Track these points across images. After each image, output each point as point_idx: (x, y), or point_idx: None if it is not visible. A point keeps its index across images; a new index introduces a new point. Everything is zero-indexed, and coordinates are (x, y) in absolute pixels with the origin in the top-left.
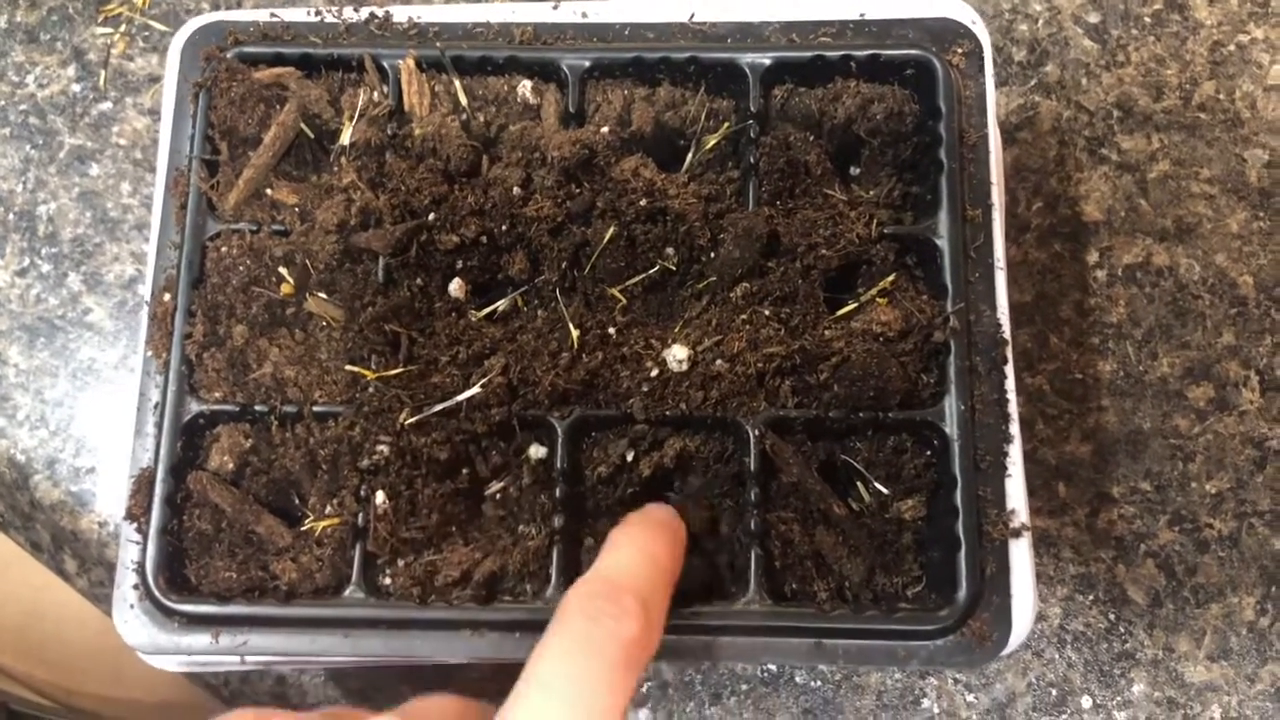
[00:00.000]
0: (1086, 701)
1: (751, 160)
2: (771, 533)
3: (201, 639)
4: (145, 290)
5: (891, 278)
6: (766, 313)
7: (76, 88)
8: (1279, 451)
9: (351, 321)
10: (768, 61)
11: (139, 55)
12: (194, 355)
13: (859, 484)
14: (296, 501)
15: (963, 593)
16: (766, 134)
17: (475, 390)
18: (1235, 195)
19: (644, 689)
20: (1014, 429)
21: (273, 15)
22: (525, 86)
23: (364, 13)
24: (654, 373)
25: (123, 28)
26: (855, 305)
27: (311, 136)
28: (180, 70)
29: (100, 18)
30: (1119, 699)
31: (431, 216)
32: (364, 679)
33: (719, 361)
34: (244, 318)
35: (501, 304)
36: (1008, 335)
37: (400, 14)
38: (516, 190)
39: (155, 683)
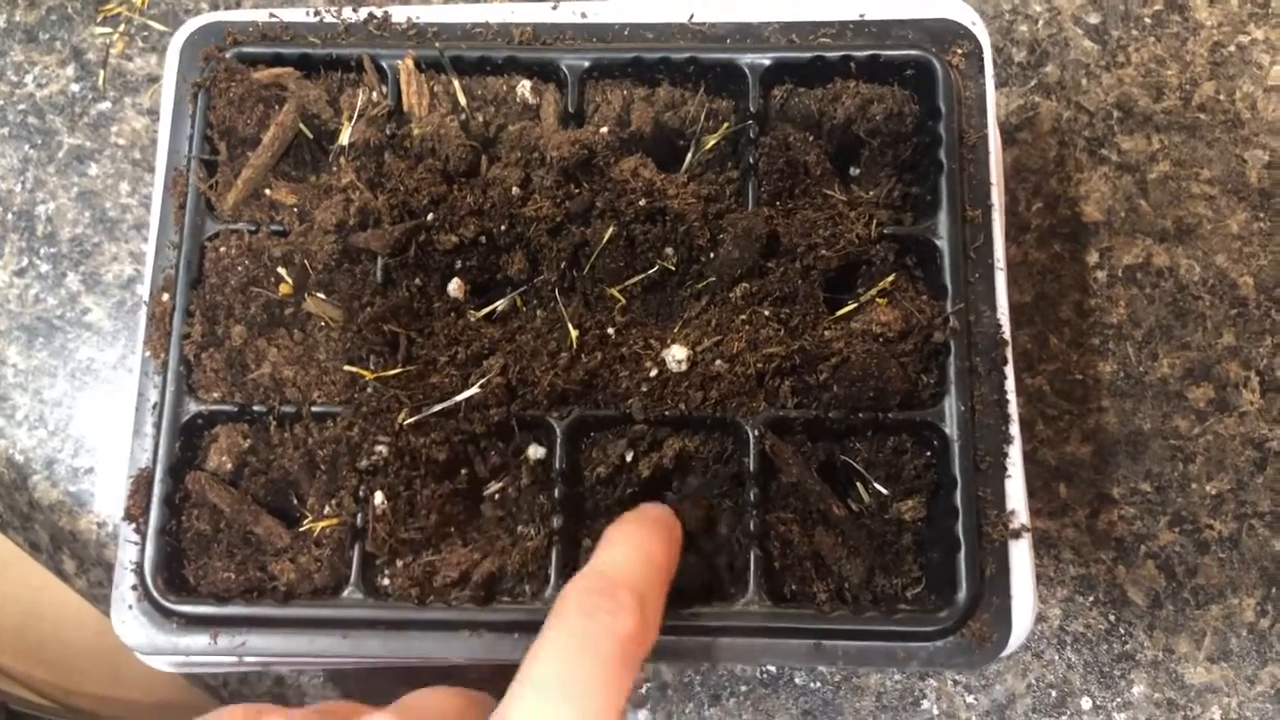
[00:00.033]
0: (1086, 703)
1: (751, 160)
2: (771, 533)
3: (200, 639)
4: (144, 290)
5: (891, 278)
6: (766, 313)
7: (75, 87)
8: (1279, 453)
9: (350, 322)
10: (767, 62)
11: (138, 55)
12: (192, 355)
13: (859, 485)
14: (295, 502)
15: (962, 594)
16: (766, 134)
17: (474, 390)
18: (1235, 196)
19: (643, 690)
20: (1014, 429)
21: (272, 15)
22: (524, 86)
23: (363, 13)
24: (653, 373)
25: (121, 27)
26: (855, 306)
27: (310, 137)
28: (179, 70)
29: (99, 17)
30: (1119, 700)
31: (430, 216)
32: (363, 680)
33: (718, 362)
34: (242, 318)
35: (500, 304)
36: (1008, 336)
37: (399, 14)
38: (515, 190)
39: (154, 683)
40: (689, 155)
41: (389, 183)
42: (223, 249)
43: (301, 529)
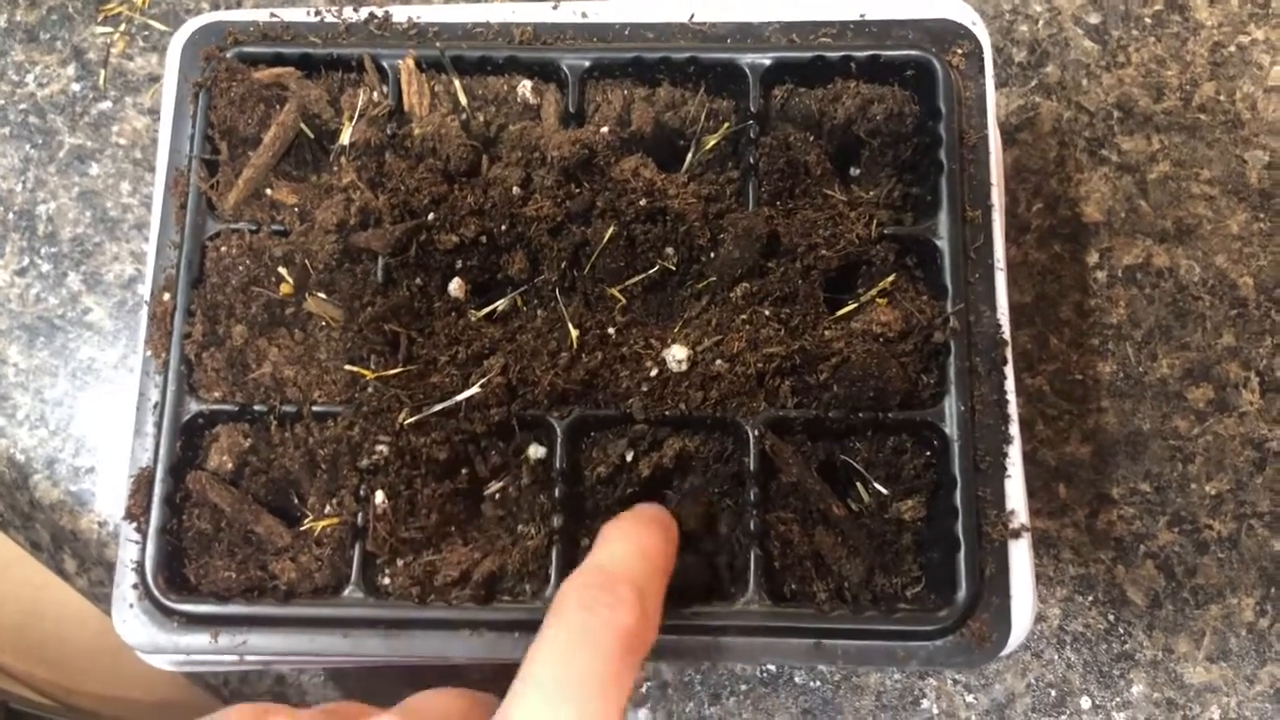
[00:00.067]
0: (1085, 702)
1: (751, 160)
2: (771, 533)
3: (200, 638)
4: (145, 290)
5: (891, 278)
6: (766, 313)
7: (76, 87)
8: (1279, 453)
9: (351, 321)
10: (768, 62)
11: (139, 55)
12: (193, 355)
13: (858, 484)
14: (296, 501)
15: (962, 593)
16: (766, 134)
17: (474, 390)
18: (1235, 196)
19: (643, 689)
20: (1014, 429)
21: (272, 15)
22: (525, 86)
23: (363, 13)
24: (653, 373)
25: (122, 27)
26: (855, 306)
27: (311, 136)
28: (180, 70)
29: (100, 17)
30: (1118, 700)
31: (431, 216)
32: (363, 679)
33: (719, 361)
34: (243, 317)
35: (501, 304)
36: (1007, 336)
37: (400, 14)
38: (516, 190)
39: (154, 682)
40: (689, 155)
41: (390, 182)
42: (224, 248)
43: (302, 528)
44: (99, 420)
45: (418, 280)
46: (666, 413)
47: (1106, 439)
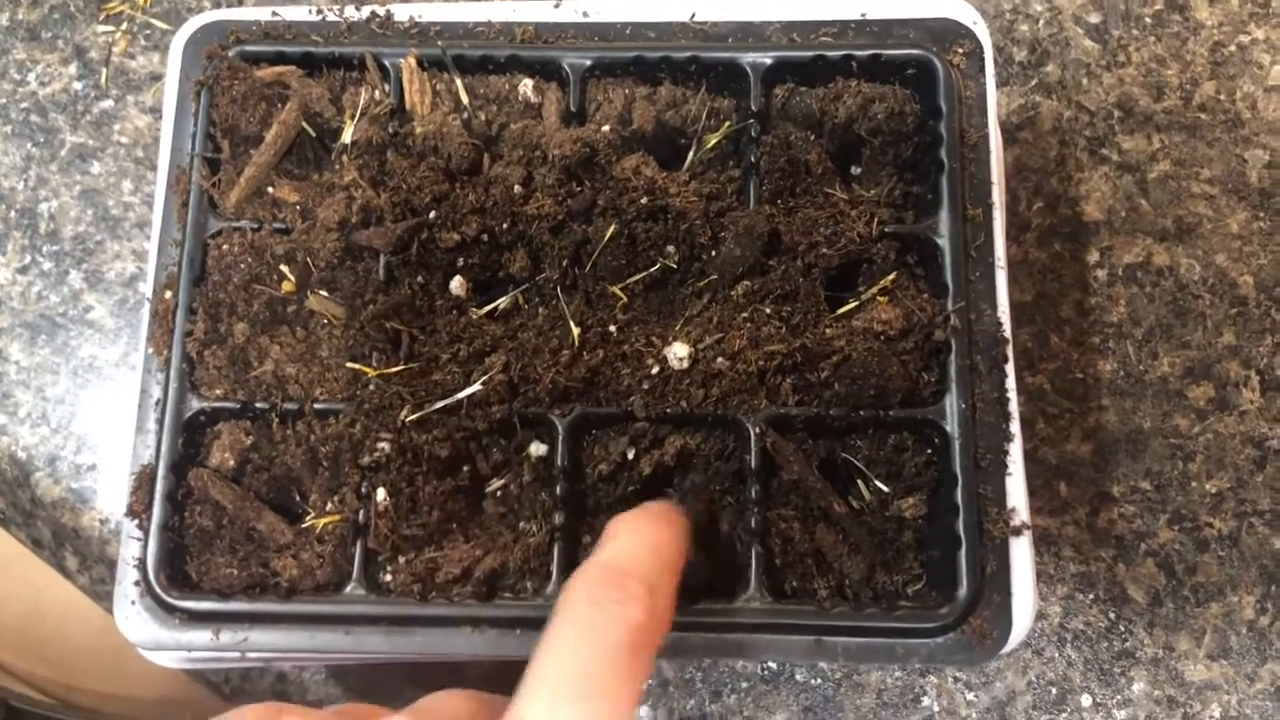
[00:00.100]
0: (1086, 700)
1: (752, 159)
2: (772, 530)
3: (202, 635)
4: (146, 288)
5: (892, 276)
6: (767, 311)
7: (78, 86)
8: (1279, 451)
9: (352, 319)
10: (769, 61)
11: (140, 53)
12: (195, 352)
13: (859, 482)
14: (297, 498)
15: (963, 591)
16: (767, 133)
17: (476, 388)
18: (1235, 195)
19: (644, 685)
20: (1014, 427)
21: (274, 14)
22: (526, 85)
23: (365, 11)
24: (655, 370)
25: (124, 26)
26: (856, 304)
27: (313, 135)
28: (182, 68)
29: (102, 16)
30: (1119, 698)
31: (433, 214)
32: (365, 676)
33: (720, 359)
34: (245, 315)
35: (502, 302)
36: (1008, 334)
37: (401, 13)
38: (518, 188)
39: (156, 680)
40: (690, 154)
41: (391, 181)
42: (225, 246)
43: (304, 525)
44: (100, 418)
45: (419, 278)
46: (668, 410)
47: (1107, 437)
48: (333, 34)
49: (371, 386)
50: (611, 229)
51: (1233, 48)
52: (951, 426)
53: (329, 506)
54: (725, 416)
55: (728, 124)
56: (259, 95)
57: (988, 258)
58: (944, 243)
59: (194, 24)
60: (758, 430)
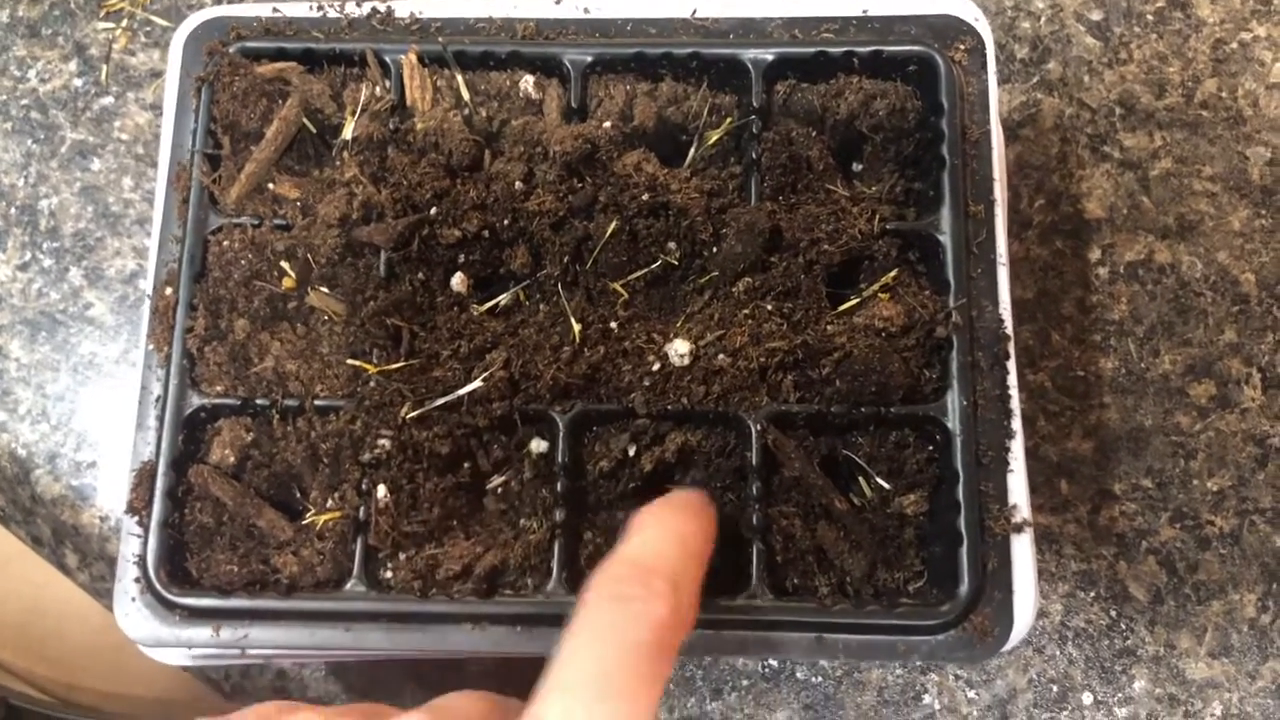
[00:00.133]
0: (1087, 698)
1: (754, 156)
2: (773, 527)
3: (202, 632)
4: (147, 284)
5: (894, 273)
6: (769, 307)
7: (78, 82)
8: None
9: (353, 315)
10: (770, 57)
11: (140, 50)
12: (195, 349)
13: (861, 479)
14: (298, 495)
15: (964, 588)
16: (769, 129)
17: (477, 384)
18: (1237, 193)
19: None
20: (1016, 424)
21: (275, 10)
22: (527, 81)
23: (366, 7)
24: (656, 367)
25: (124, 23)
26: (858, 300)
27: (314, 131)
28: (182, 65)
29: (102, 12)
30: (1120, 695)
31: (433, 211)
32: (365, 674)
33: (721, 356)
34: (245, 312)
35: (503, 298)
36: (1010, 331)
37: (402, 9)
38: (518, 185)
39: (156, 678)
40: (692, 150)
41: (392, 177)
42: (226, 243)
43: (304, 522)
44: (100, 415)
45: (420, 275)
46: (669, 407)
47: (1108, 435)
48: (333, 30)
49: (372, 383)
50: (613, 225)
51: (1234, 45)
52: (953, 423)
53: (329, 503)
54: (726, 413)
55: (729, 120)
56: (259, 91)
57: (989, 254)
58: (945, 239)
59: (194, 20)
60: (759, 427)
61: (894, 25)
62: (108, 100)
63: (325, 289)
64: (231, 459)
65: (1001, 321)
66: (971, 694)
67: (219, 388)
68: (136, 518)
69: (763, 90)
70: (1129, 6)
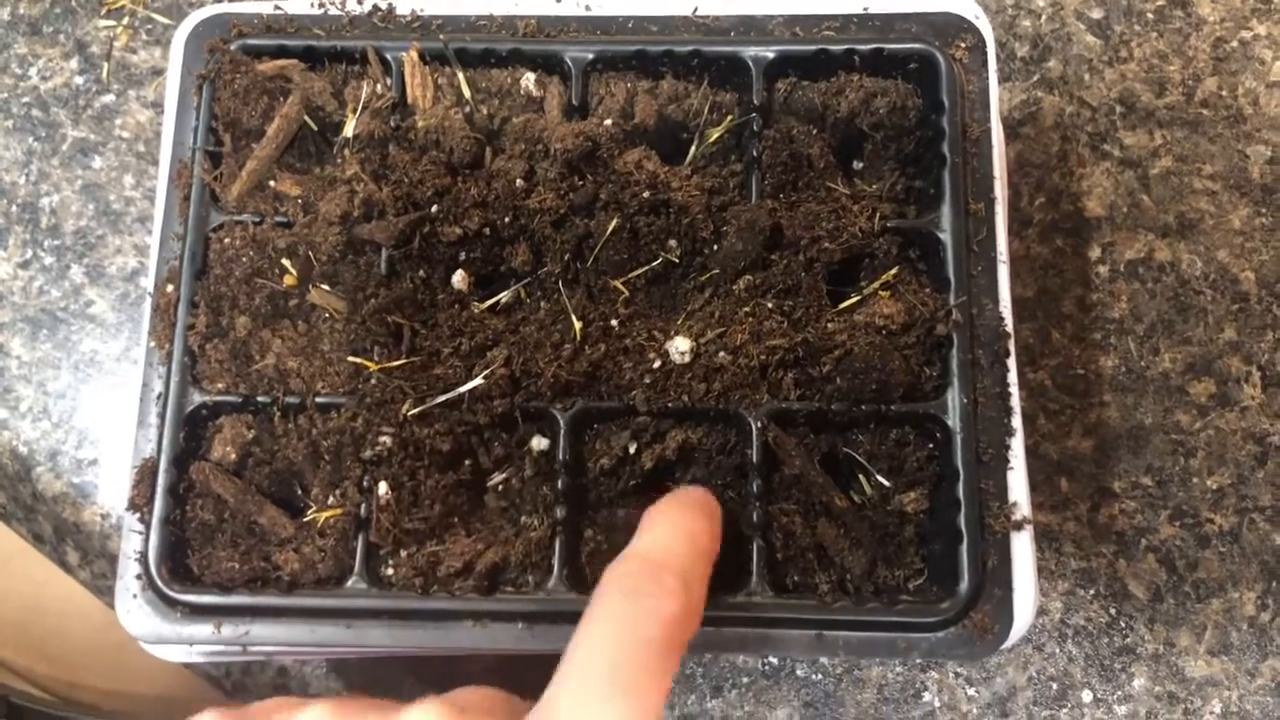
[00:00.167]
0: (1087, 696)
1: (754, 153)
2: (773, 525)
3: (204, 629)
4: (148, 282)
5: (894, 271)
6: (769, 305)
7: (79, 80)
8: (1279, 447)
9: (354, 313)
10: (771, 55)
11: (142, 48)
12: (197, 346)
13: (861, 476)
14: (299, 492)
15: (964, 585)
16: (770, 127)
17: (478, 382)
18: (1237, 191)
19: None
20: (1016, 422)
21: (276, 8)
22: (528, 79)
23: (367, 5)
24: (656, 365)
25: (125, 20)
26: (858, 298)
27: (315, 129)
28: (184, 62)
29: (103, 10)
30: (1120, 693)
31: (434, 208)
32: (366, 670)
33: (721, 354)
34: (247, 309)
35: (504, 296)
36: (1010, 329)
37: (403, 6)
38: (519, 182)
39: (157, 676)
40: (693, 148)
41: (393, 175)
42: (227, 240)
43: (305, 519)
44: (101, 413)
45: (421, 272)
46: (669, 405)
47: (1108, 433)
48: (335, 27)
49: (373, 380)
50: (613, 223)
51: (1235, 43)
52: (953, 421)
53: (330, 500)
54: (727, 411)
55: (730, 118)
56: (261, 89)
57: (990, 252)
58: (946, 237)
59: (195, 18)
60: (759, 425)
61: (895, 23)
62: (109, 98)
63: (326, 286)
64: (233, 456)
65: (1002, 319)
66: (971, 691)
67: (220, 385)
68: (138, 515)
69: (763, 88)
70: (1129, 5)
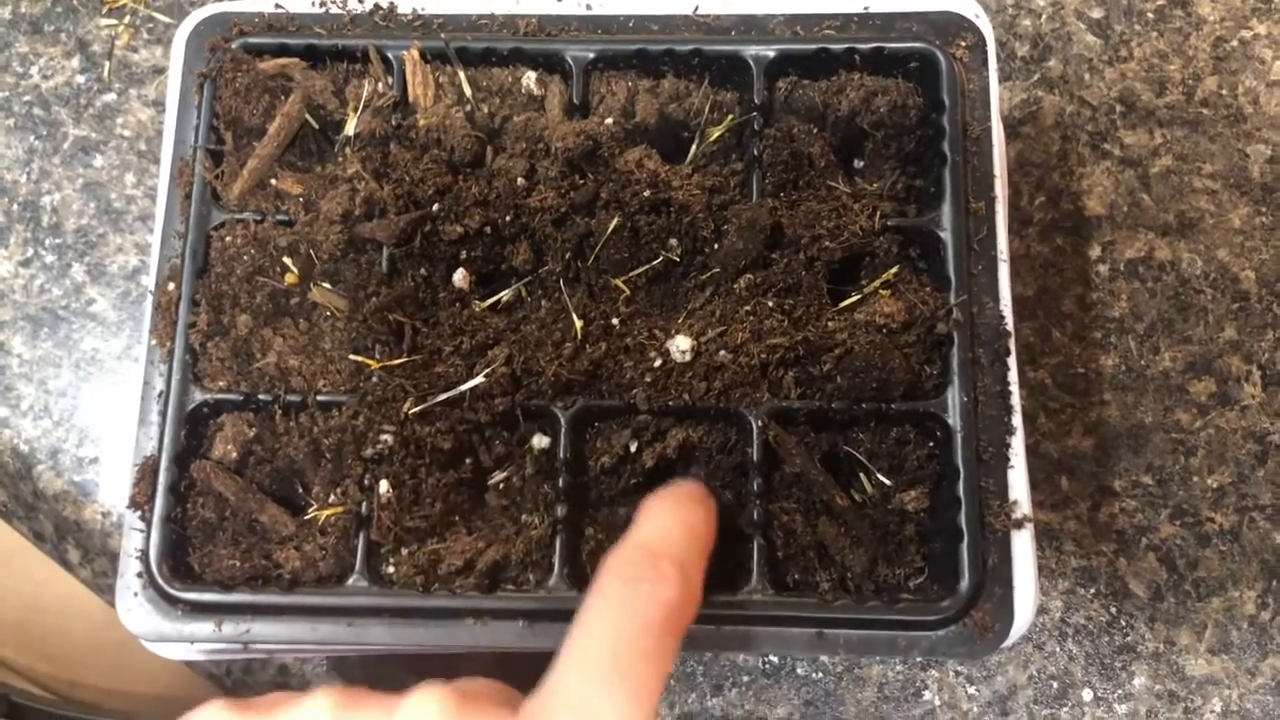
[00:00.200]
0: (1087, 694)
1: (755, 152)
2: (774, 523)
3: (205, 627)
4: (149, 280)
5: (895, 270)
6: (770, 304)
7: (81, 79)
8: None
9: (355, 311)
10: (772, 54)
11: (143, 47)
12: (198, 344)
13: (861, 475)
14: (300, 490)
15: (965, 584)
16: (770, 126)
17: (479, 380)
18: (1237, 190)
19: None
20: (1016, 420)
21: (277, 6)
22: (529, 78)
23: (368, 3)
24: (657, 363)
25: (127, 19)
26: (859, 297)
27: (316, 127)
28: (185, 61)
29: (104, 9)
30: (1120, 692)
31: (435, 207)
32: (367, 668)
33: (722, 352)
34: (248, 307)
35: (505, 294)
36: (1010, 327)
37: (404, 5)
38: (520, 181)
39: (158, 675)
40: (693, 147)
41: (394, 173)
42: (228, 238)
43: (306, 517)
44: (102, 411)
45: (422, 271)
46: (670, 403)
47: (1109, 432)
48: (336, 26)
49: (374, 379)
50: (614, 222)
51: (1235, 43)
52: (953, 419)
53: (331, 498)
54: (727, 409)
55: (730, 117)
56: (262, 87)
57: (990, 251)
58: (946, 236)
59: (197, 16)
60: (760, 423)
61: (895, 22)
62: (110, 97)
63: (327, 285)
64: (234, 454)
65: (1002, 318)
66: (972, 690)
67: (221, 383)
68: (139, 513)
69: (764, 87)
70: (1129, 4)
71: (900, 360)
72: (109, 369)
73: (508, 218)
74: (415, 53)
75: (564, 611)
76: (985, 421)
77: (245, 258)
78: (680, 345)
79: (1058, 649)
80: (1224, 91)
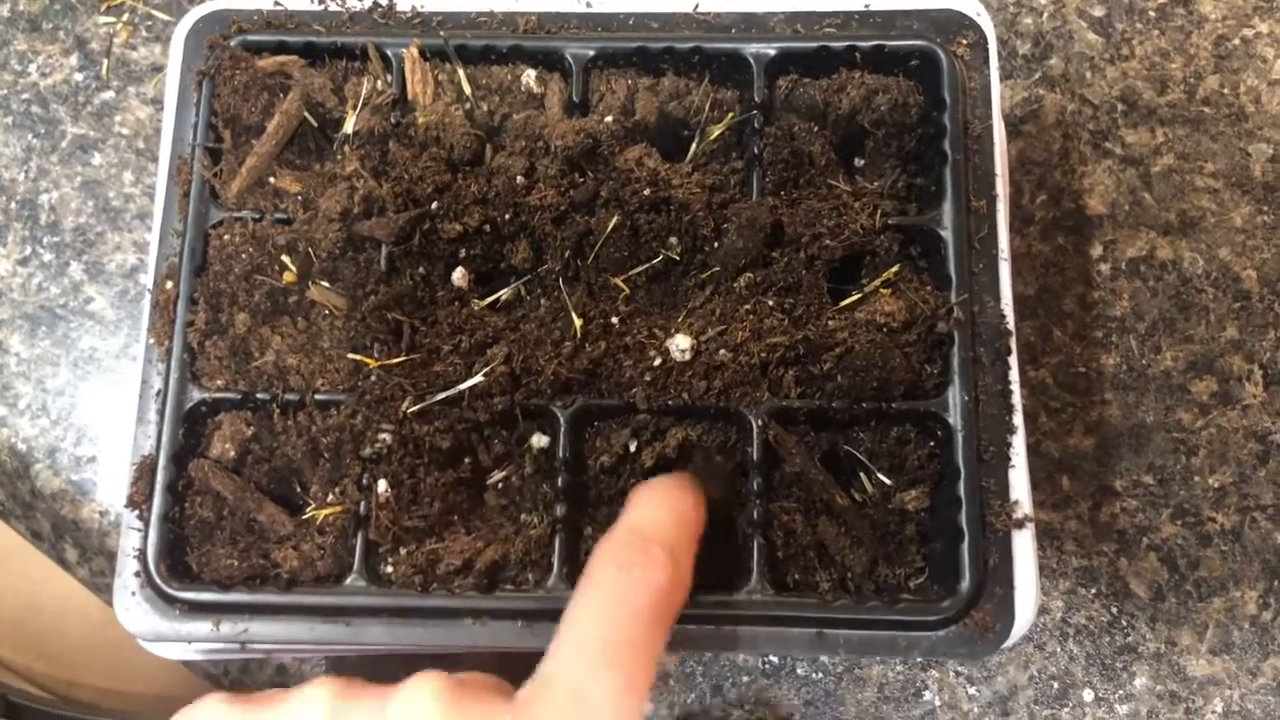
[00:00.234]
0: (1088, 695)
1: (755, 150)
2: (774, 523)
3: (202, 626)
4: (147, 279)
5: (895, 268)
6: (770, 303)
7: (79, 77)
8: None
9: (354, 310)
10: (772, 52)
11: (141, 45)
12: (196, 343)
13: (862, 474)
14: (298, 489)
15: (965, 583)
16: (771, 124)
17: (478, 379)
18: (1239, 189)
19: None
20: (1017, 420)
21: (276, 3)
22: (529, 76)
23: (368, 1)
24: (657, 362)
25: (125, 17)
26: (859, 296)
27: (315, 125)
28: (183, 58)
29: (102, 7)
30: (1121, 692)
31: (435, 205)
32: (365, 668)
33: (722, 351)
34: (246, 306)
35: (504, 293)
36: (1011, 326)
37: (403, 2)
38: (520, 179)
39: (156, 675)
40: (694, 145)
41: (393, 171)
42: (227, 237)
43: (305, 516)
44: (101, 410)
45: (421, 269)
46: (670, 402)
47: (1110, 431)
48: (335, 24)
49: (373, 378)
50: (614, 220)
51: (1236, 41)
52: (954, 419)
53: (330, 498)
54: (727, 408)
55: (731, 115)
56: (261, 85)
57: (991, 250)
58: (947, 235)
59: (195, 14)
60: (760, 422)
61: (896, 20)
62: (108, 95)
63: (326, 283)
64: (232, 453)
65: (1003, 317)
66: (972, 690)
67: (219, 382)
68: (136, 512)
69: (764, 85)
70: (1131, 3)
71: (901, 359)
72: (107, 368)
73: (507, 216)
74: (414, 50)
75: (563, 611)
76: (986, 421)
77: (244, 256)
78: (680, 344)
79: (1058, 649)
80: (1226, 90)
